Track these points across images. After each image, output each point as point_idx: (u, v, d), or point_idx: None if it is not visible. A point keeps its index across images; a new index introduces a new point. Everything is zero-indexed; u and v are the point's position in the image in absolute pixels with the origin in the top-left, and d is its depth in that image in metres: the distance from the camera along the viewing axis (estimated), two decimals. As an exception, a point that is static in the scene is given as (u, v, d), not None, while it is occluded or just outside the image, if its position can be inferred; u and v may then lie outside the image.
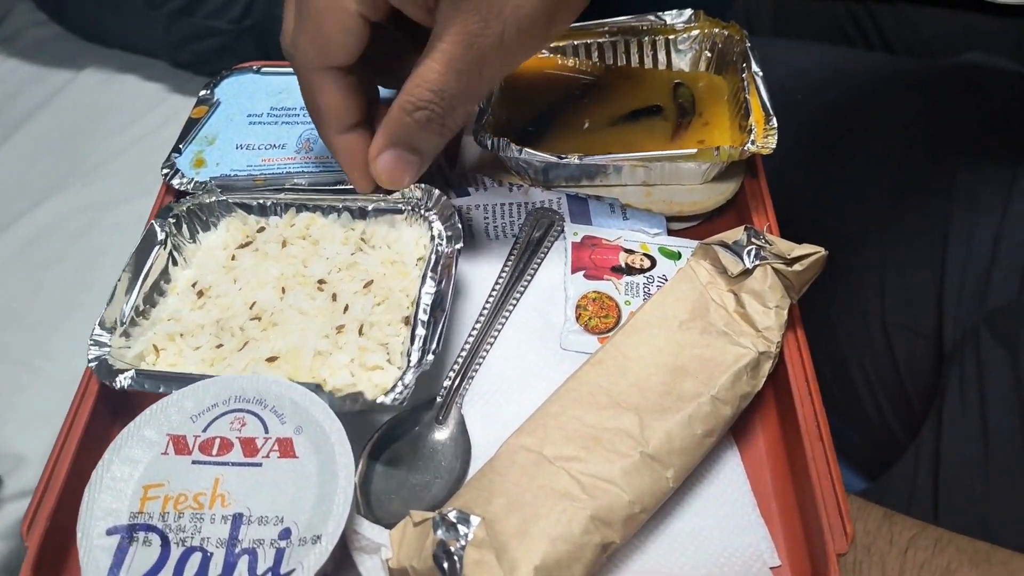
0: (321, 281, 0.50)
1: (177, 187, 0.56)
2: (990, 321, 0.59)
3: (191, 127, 0.61)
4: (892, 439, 0.66)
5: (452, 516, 0.39)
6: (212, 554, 0.38)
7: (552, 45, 0.63)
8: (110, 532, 0.39)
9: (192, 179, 0.56)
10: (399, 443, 0.46)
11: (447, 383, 0.49)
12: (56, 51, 0.81)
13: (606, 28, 0.63)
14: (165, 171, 0.57)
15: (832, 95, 0.74)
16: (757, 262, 0.47)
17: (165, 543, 0.39)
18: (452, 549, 0.38)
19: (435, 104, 0.43)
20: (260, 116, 0.61)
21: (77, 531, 0.39)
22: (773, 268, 0.47)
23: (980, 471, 0.57)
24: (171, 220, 0.53)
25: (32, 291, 0.63)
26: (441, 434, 0.47)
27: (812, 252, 0.46)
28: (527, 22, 0.41)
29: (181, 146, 0.59)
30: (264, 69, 0.65)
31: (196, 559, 0.38)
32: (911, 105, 0.71)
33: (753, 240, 0.48)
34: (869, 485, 0.67)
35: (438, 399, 0.48)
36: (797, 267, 0.47)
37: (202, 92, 0.63)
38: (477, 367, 0.49)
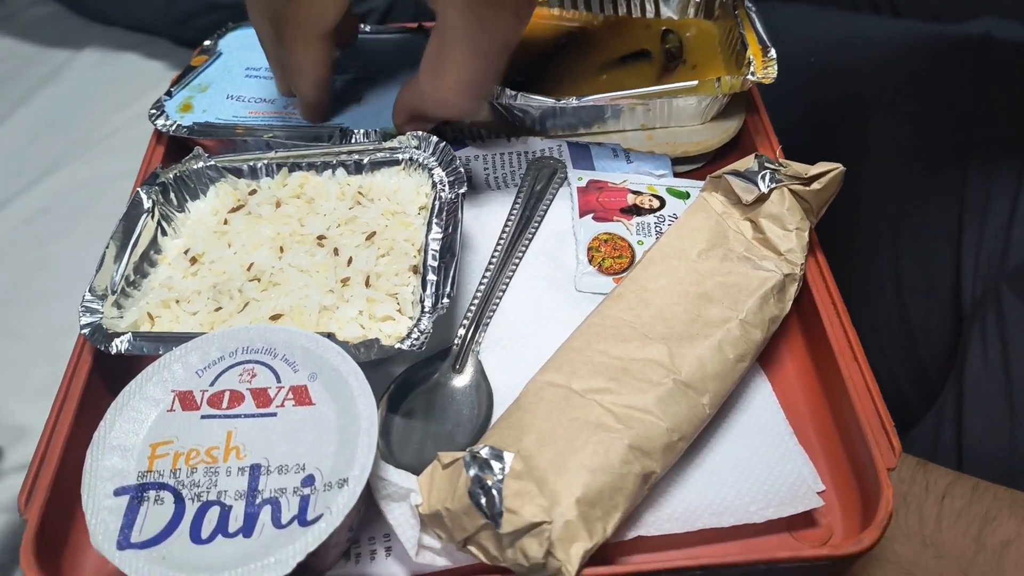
0: (320, 237, 0.48)
1: (160, 128, 0.54)
2: (1012, 279, 0.59)
3: (187, 73, 0.59)
4: (907, 408, 0.65)
5: (484, 453, 0.37)
6: (231, 507, 0.36)
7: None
8: (118, 493, 0.36)
9: (175, 122, 0.55)
10: (417, 393, 0.44)
11: (461, 332, 0.46)
12: (56, 29, 0.80)
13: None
14: (152, 112, 0.55)
15: (841, 60, 0.73)
16: (773, 185, 0.46)
17: (179, 500, 0.36)
18: (489, 483, 0.36)
19: None
20: (258, 70, 0.60)
21: (82, 494, 0.36)
22: (790, 190, 0.46)
23: (1005, 430, 0.56)
24: (157, 187, 0.51)
25: (35, 267, 0.62)
26: (460, 381, 0.45)
27: (830, 169, 0.45)
28: None
29: (172, 90, 0.58)
30: None
31: (214, 513, 0.36)
32: (923, 70, 0.70)
33: (766, 165, 0.47)
34: None
35: (454, 347, 0.46)
36: (815, 186, 0.45)
37: (206, 42, 0.62)
38: (491, 315, 0.47)
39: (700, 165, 0.57)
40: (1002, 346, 0.57)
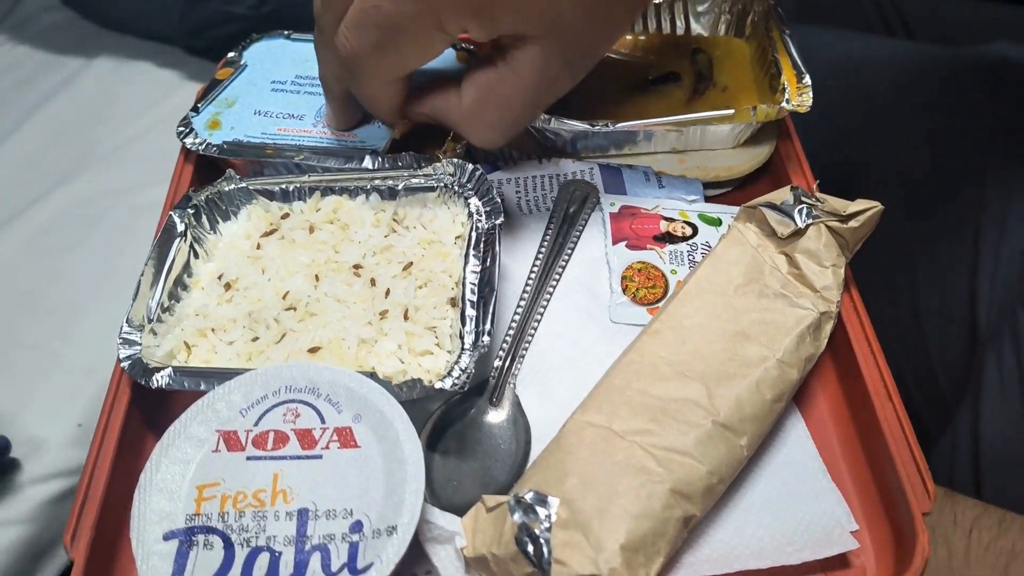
0: (356, 266, 0.48)
1: (189, 147, 0.54)
2: None
3: (213, 87, 0.58)
4: (922, 429, 0.65)
5: (529, 498, 0.37)
6: (280, 553, 0.36)
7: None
8: (167, 537, 0.37)
9: (205, 140, 0.54)
10: (455, 429, 0.44)
11: (497, 364, 0.47)
12: (69, 37, 0.79)
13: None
14: (180, 129, 0.55)
15: (857, 83, 0.73)
16: (810, 221, 0.46)
17: (228, 545, 0.36)
18: (536, 532, 0.36)
19: None
20: (284, 83, 0.59)
21: (131, 538, 0.37)
22: (827, 226, 0.46)
23: (1022, 451, 0.57)
24: (190, 211, 0.50)
25: (50, 277, 0.62)
26: (497, 416, 0.45)
27: (868, 207, 0.45)
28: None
29: (200, 105, 0.57)
30: (294, 36, 0.63)
31: (264, 559, 0.36)
32: (939, 94, 0.70)
33: (803, 199, 0.47)
34: None
35: (490, 380, 0.46)
36: (853, 223, 0.46)
37: (230, 54, 0.61)
38: (527, 346, 0.47)
39: (731, 188, 0.57)
40: (1019, 371, 0.58)
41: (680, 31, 0.62)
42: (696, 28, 0.62)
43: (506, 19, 0.41)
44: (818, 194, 0.47)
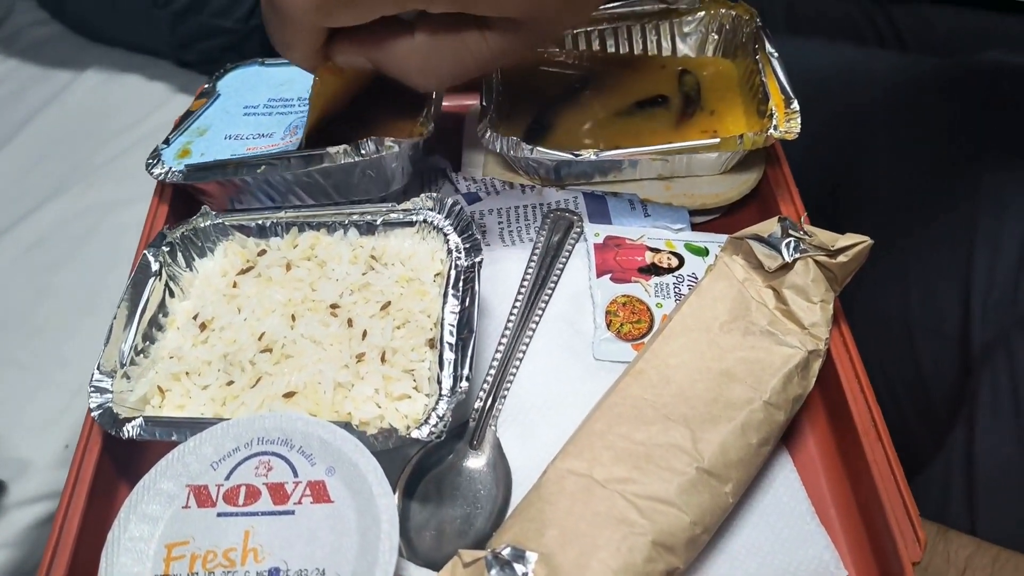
0: (334, 306, 0.47)
1: (156, 177, 0.53)
2: (1022, 325, 0.58)
3: (186, 118, 0.58)
4: (916, 446, 0.64)
5: (506, 554, 0.36)
6: (250, 617, 0.35)
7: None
8: (135, 601, 0.36)
9: (170, 168, 0.53)
10: (433, 474, 0.43)
11: (478, 404, 0.46)
12: (58, 50, 0.78)
13: (605, 14, 0.60)
14: (149, 161, 0.54)
15: (849, 95, 0.72)
16: (797, 255, 0.45)
17: (197, 608, 0.36)
18: (512, 592, 0.35)
19: None
20: (256, 107, 0.58)
21: (98, 602, 0.36)
22: (815, 261, 0.45)
23: (1018, 476, 0.56)
24: (164, 249, 0.49)
25: (38, 294, 0.61)
26: (477, 461, 0.44)
27: (857, 242, 0.44)
28: None
29: (171, 137, 0.56)
30: (268, 61, 0.62)
31: (233, 624, 0.35)
32: (932, 106, 0.69)
33: (791, 232, 0.45)
34: None
35: (470, 423, 0.45)
36: (841, 258, 0.44)
37: (205, 85, 0.61)
38: (508, 385, 0.46)
39: (718, 215, 0.56)
40: (1014, 394, 0.57)
41: (666, 52, 0.60)
42: (683, 49, 0.60)
43: (484, 4, 0.38)
44: (806, 227, 0.46)
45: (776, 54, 0.54)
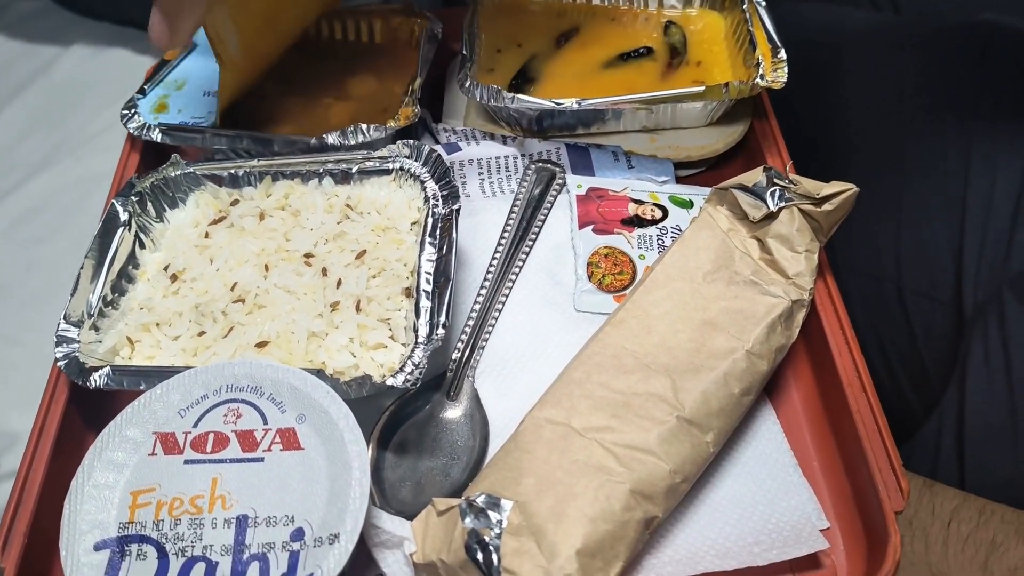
0: (307, 255, 0.46)
1: (132, 132, 0.51)
2: (1014, 284, 0.57)
3: (161, 67, 0.56)
4: (908, 410, 0.64)
5: (480, 501, 0.36)
6: (217, 563, 0.34)
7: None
8: (98, 547, 0.35)
9: (146, 123, 0.52)
10: (409, 425, 0.42)
11: (455, 356, 0.45)
12: (44, 25, 0.77)
13: (590, -36, 0.59)
14: (124, 112, 0.52)
15: (842, 56, 0.70)
16: (782, 204, 0.44)
17: (162, 555, 0.35)
18: (487, 539, 0.34)
19: None
20: None
21: (60, 548, 0.35)
22: (800, 209, 0.44)
23: (1007, 437, 0.55)
24: (133, 198, 0.48)
25: (24, 268, 0.60)
26: (454, 412, 0.43)
27: (842, 189, 0.43)
28: None
29: (147, 87, 0.55)
30: None
31: (200, 570, 0.34)
32: (925, 66, 0.67)
33: (775, 181, 0.44)
34: None
35: (447, 374, 0.44)
36: (827, 207, 0.43)
37: None
38: (487, 337, 0.45)
39: (703, 169, 0.54)
40: (1004, 354, 0.56)
41: (653, 6, 0.59)
42: (670, 1, 0.59)
43: None
44: (792, 175, 0.45)
45: (763, 3, 0.53)
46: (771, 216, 0.44)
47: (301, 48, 0.59)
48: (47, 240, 0.63)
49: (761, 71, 0.49)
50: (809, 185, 0.44)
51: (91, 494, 0.36)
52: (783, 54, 0.50)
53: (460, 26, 0.56)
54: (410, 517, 0.37)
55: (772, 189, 0.44)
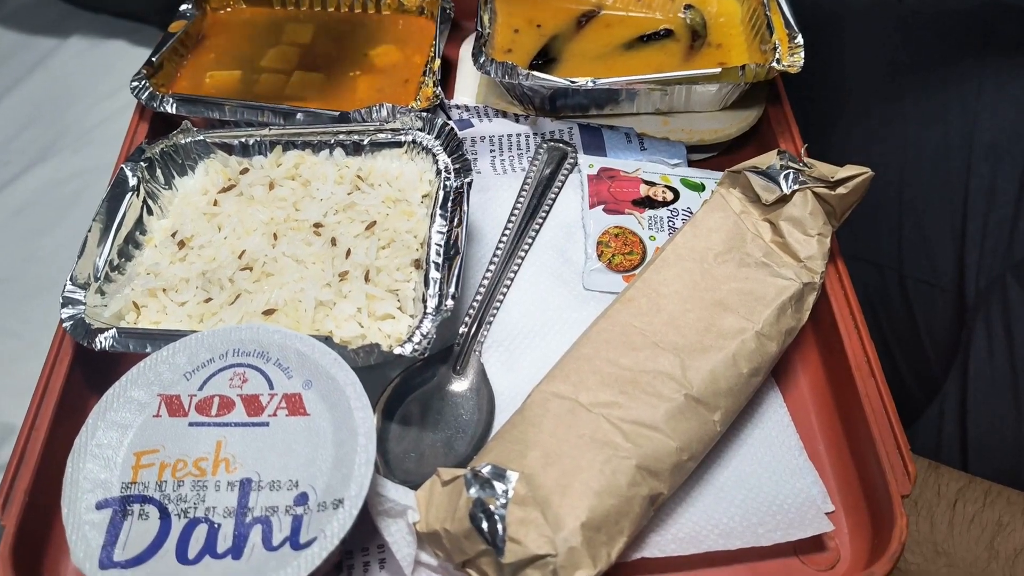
0: (317, 225, 0.45)
1: (143, 102, 0.51)
2: (1018, 270, 0.57)
3: (167, 40, 0.55)
4: (908, 396, 0.64)
5: (486, 472, 0.35)
6: (220, 525, 0.34)
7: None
8: (100, 506, 0.35)
9: (159, 96, 0.52)
10: (415, 397, 0.42)
11: (463, 330, 0.44)
12: (41, 17, 0.77)
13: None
14: (134, 83, 0.52)
15: (844, 32, 0.70)
16: (796, 187, 0.44)
17: (165, 515, 0.34)
18: (492, 508, 0.34)
19: None
20: None
21: (62, 505, 0.35)
22: (814, 192, 0.44)
23: (1011, 423, 0.55)
24: (143, 164, 0.48)
25: (25, 260, 0.59)
26: (460, 385, 0.43)
27: (857, 173, 0.43)
28: None
29: (155, 59, 0.54)
30: None
31: (202, 531, 0.34)
32: (930, 48, 0.67)
33: (790, 164, 0.44)
34: None
35: (455, 347, 0.44)
36: (841, 190, 0.43)
37: (182, 6, 0.58)
38: (494, 312, 0.45)
39: (716, 153, 0.54)
40: (1007, 339, 0.56)
41: (671, -18, 0.59)
42: (686, -17, 0.58)
43: None
44: (806, 159, 0.44)
45: (781, -12, 0.53)
46: (784, 199, 0.44)
47: (318, 22, 0.59)
48: (46, 233, 0.63)
49: (778, 55, 0.49)
50: (823, 168, 0.44)
51: (94, 453, 0.36)
52: (800, 39, 0.50)
53: (470, 3, 0.56)
54: (414, 487, 0.37)
55: (786, 172, 0.44)
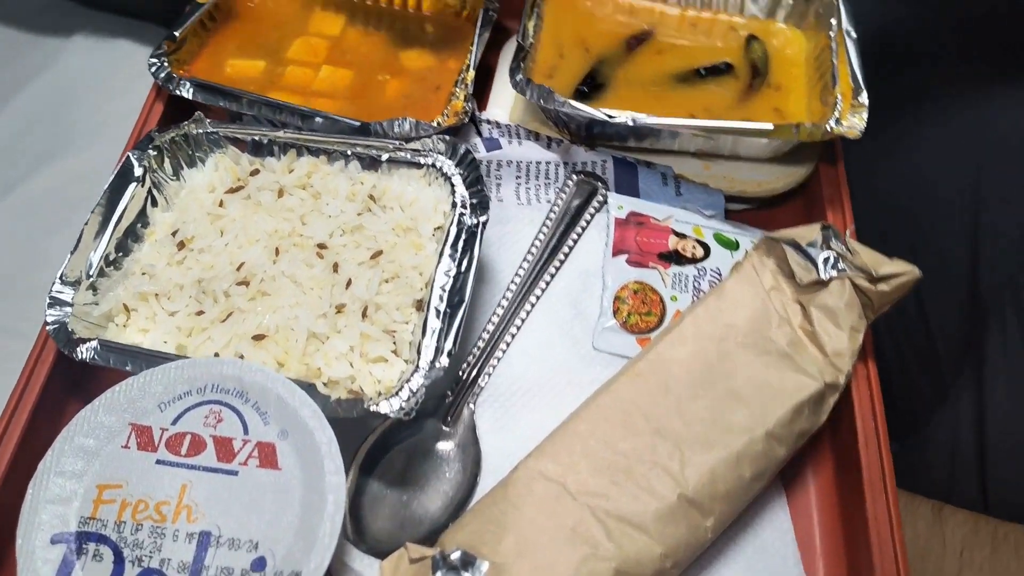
0: (321, 246, 0.43)
1: (160, 83, 0.49)
2: None
3: (194, 12, 0.52)
4: (918, 394, 0.61)
5: (455, 557, 0.34)
6: (172, 581, 0.33)
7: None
8: (55, 540, 0.33)
9: (179, 79, 0.49)
10: (398, 450, 0.40)
11: (459, 375, 0.42)
12: (44, 16, 0.75)
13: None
14: (153, 62, 0.50)
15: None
16: (835, 273, 0.40)
17: (119, 560, 0.33)
18: (454, 603, 0.32)
19: None
20: None
21: (17, 536, 0.33)
22: (853, 283, 0.40)
23: None
24: (151, 152, 0.45)
25: (34, 262, 0.58)
26: (447, 442, 0.41)
27: (903, 272, 0.39)
28: None
29: (177, 34, 0.51)
30: None
31: (153, 585, 0.33)
32: (945, 35, 0.63)
33: (832, 245, 0.41)
34: (905, 442, 0.62)
35: (447, 396, 0.42)
36: (883, 286, 0.40)
37: None
38: (496, 362, 0.43)
39: (756, 205, 0.50)
40: (1022, 338, 0.53)
41: (734, 11, 0.54)
42: (752, 9, 0.54)
43: None
44: (851, 241, 0.41)
45: (854, 34, 0.48)
46: (820, 283, 0.41)
47: (349, 12, 0.55)
48: (54, 233, 0.61)
49: (837, 113, 0.45)
50: (868, 257, 0.40)
51: (57, 481, 0.35)
52: (864, 97, 0.45)
53: (517, 2, 0.52)
54: (382, 552, 0.36)
55: (826, 255, 0.41)
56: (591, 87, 0.50)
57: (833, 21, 0.49)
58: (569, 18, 0.53)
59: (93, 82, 0.69)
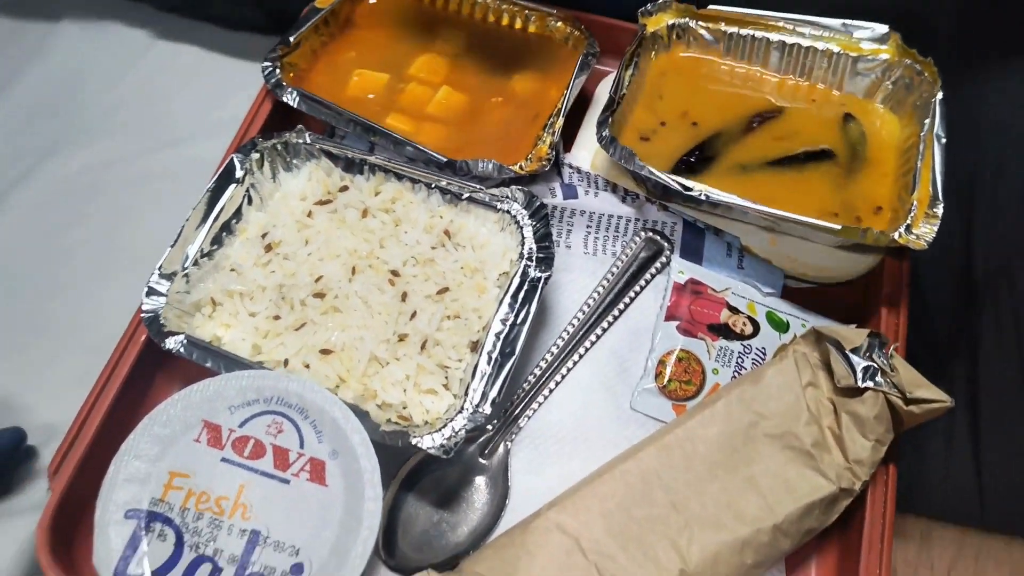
0: (394, 272, 0.46)
1: (268, 83, 0.52)
2: None
3: (310, 18, 0.55)
4: (917, 364, 0.62)
5: (467, 594, 0.37)
6: (222, 570, 0.37)
7: (720, 30, 0.55)
8: (128, 515, 0.38)
9: (285, 86, 0.52)
10: (436, 474, 0.44)
11: (503, 412, 0.45)
12: (30, 1, 0.72)
13: (784, 24, 0.54)
14: (266, 65, 0.53)
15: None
16: (871, 384, 0.42)
17: (179, 543, 0.38)
18: (459, 640, 0.36)
19: None
20: None
21: (97, 505, 0.38)
22: (887, 398, 0.42)
23: (1021, 409, 0.54)
24: (254, 156, 0.49)
25: (49, 258, 0.58)
26: (481, 473, 0.44)
27: (936, 399, 0.41)
28: None
29: (292, 38, 0.54)
30: None
31: (205, 571, 0.37)
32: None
33: (875, 357, 0.42)
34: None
35: (488, 429, 0.45)
36: (913, 408, 0.41)
37: None
38: (537, 406, 0.46)
39: (815, 285, 0.52)
40: (1017, 330, 0.54)
41: (832, 84, 0.54)
42: (850, 88, 0.54)
43: None
44: (895, 357, 0.42)
45: (944, 138, 0.48)
46: (856, 390, 0.42)
47: (470, 30, 0.57)
48: (68, 227, 0.59)
49: (910, 220, 0.46)
50: (906, 376, 0.41)
51: (134, 463, 0.39)
52: (940, 208, 0.46)
53: (622, 43, 0.53)
54: (407, 569, 0.40)
55: (867, 364, 0.42)
56: (699, 159, 0.51)
57: (927, 121, 0.49)
58: (674, 85, 0.54)
59: (87, 69, 0.67)
